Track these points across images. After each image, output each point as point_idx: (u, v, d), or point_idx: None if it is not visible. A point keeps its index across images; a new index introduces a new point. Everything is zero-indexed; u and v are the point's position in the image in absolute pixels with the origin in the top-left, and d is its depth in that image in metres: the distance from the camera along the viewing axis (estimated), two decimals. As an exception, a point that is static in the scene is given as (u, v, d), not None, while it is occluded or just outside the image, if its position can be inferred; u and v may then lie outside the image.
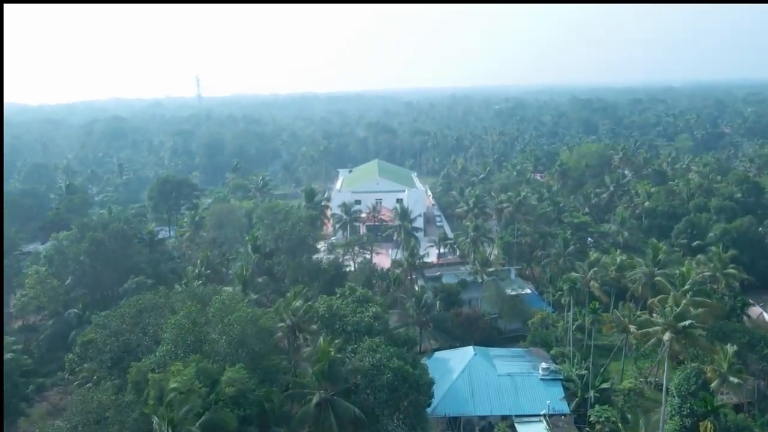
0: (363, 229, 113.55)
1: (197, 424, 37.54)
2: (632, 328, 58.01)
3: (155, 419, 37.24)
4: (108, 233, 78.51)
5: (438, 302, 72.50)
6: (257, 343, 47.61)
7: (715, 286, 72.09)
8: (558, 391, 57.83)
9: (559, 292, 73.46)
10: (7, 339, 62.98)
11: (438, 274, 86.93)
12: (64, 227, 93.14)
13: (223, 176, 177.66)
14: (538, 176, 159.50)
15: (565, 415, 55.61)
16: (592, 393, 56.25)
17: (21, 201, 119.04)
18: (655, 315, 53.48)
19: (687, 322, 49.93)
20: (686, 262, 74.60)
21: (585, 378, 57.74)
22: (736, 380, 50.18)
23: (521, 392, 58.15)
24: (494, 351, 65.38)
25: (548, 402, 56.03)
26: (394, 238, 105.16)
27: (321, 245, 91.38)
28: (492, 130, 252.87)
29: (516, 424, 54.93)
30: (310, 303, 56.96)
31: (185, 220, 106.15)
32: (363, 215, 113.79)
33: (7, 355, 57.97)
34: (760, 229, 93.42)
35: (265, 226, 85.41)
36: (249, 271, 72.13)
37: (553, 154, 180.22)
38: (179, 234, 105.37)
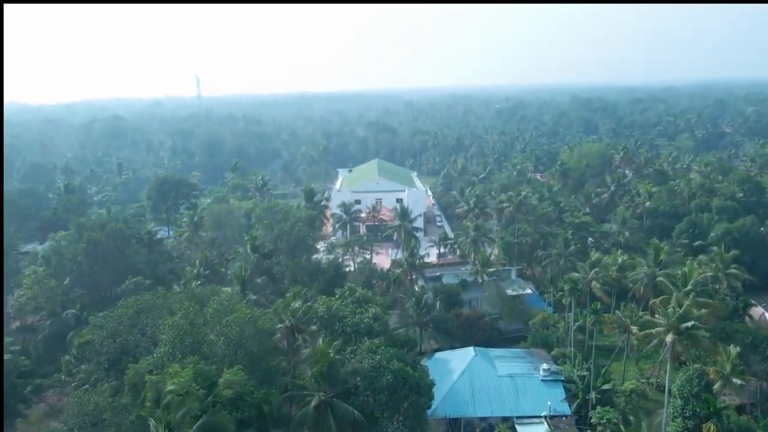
0: (363, 229, 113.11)
1: (195, 427, 37.14)
2: (634, 329, 57.57)
3: (152, 422, 36.83)
4: (106, 233, 78.04)
5: (438, 303, 72.18)
6: (256, 345, 47.19)
7: (717, 287, 71.69)
8: (559, 392, 57.46)
9: (560, 293, 73.03)
10: (5, 340, 62.49)
11: (438, 274, 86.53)
12: (62, 227, 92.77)
13: (222, 176, 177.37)
14: (538, 176, 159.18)
15: (566, 416, 55.24)
16: (593, 394, 55.96)
17: (19, 201, 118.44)
18: (657, 316, 52.98)
19: (690, 324, 49.45)
20: (688, 262, 74.11)
21: (586, 379, 57.44)
22: (739, 382, 49.74)
23: (522, 393, 57.77)
24: (495, 352, 64.99)
25: (549, 403, 55.66)
26: (394, 238, 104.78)
27: (320, 245, 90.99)
28: (492, 129, 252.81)
29: (517, 426, 54.57)
30: (309, 304, 56.56)
31: (184, 220, 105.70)
32: (363, 215, 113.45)
33: (5, 356, 57.48)
34: (762, 229, 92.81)
35: (264, 226, 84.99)
36: (248, 271, 71.75)
37: (553, 154, 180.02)
38: (178, 234, 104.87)
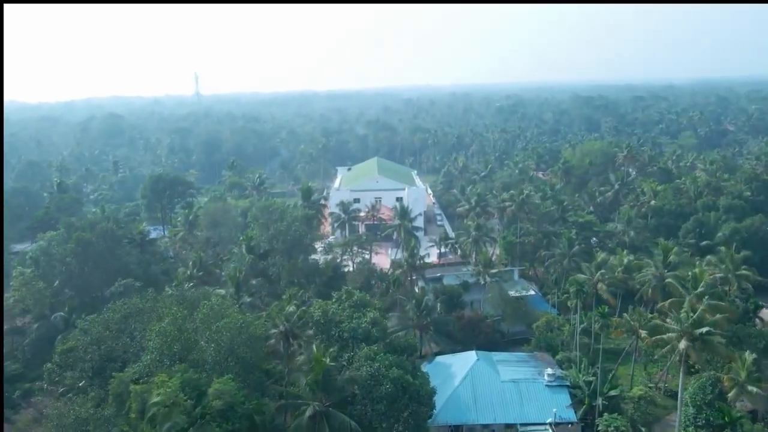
0: (362, 229, 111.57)
1: (181, 441, 35.03)
2: (643, 333, 55.45)
3: (136, 436, 34.74)
4: (96, 233, 76.01)
5: (439, 304, 70.26)
6: (248, 352, 45.17)
7: (727, 288, 69.59)
8: (564, 398, 55.58)
9: (565, 294, 71.07)
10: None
11: (439, 275, 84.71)
12: (53, 227, 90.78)
13: (220, 174, 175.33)
14: (540, 174, 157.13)
15: (572, 423, 53.55)
16: (600, 400, 54.22)
17: (11, 200, 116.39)
18: (668, 320, 50.79)
19: (705, 329, 47.18)
20: (697, 263, 72.00)
21: (593, 384, 55.72)
22: (755, 390, 47.53)
23: (526, 399, 55.95)
24: (497, 356, 63.07)
25: (554, 410, 53.81)
26: (394, 237, 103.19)
27: (318, 245, 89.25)
28: (493, 127, 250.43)
29: (521, 434, 52.62)
30: (304, 308, 54.51)
31: (179, 219, 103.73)
32: (362, 214, 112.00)
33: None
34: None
35: (260, 225, 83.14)
36: (242, 272, 69.74)
37: (555, 152, 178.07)
38: (173, 234, 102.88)
